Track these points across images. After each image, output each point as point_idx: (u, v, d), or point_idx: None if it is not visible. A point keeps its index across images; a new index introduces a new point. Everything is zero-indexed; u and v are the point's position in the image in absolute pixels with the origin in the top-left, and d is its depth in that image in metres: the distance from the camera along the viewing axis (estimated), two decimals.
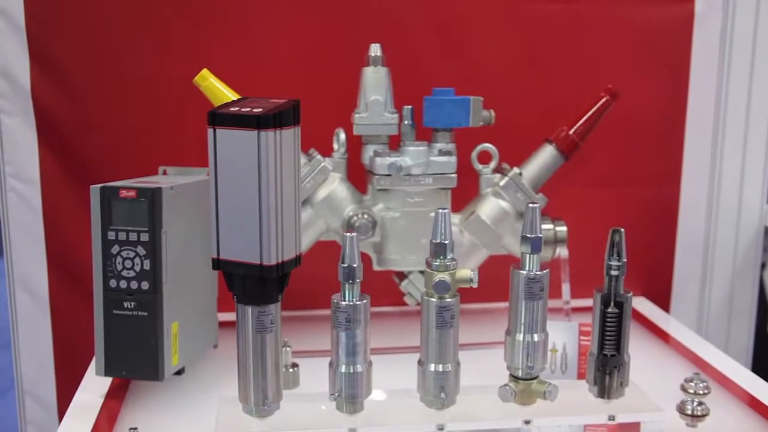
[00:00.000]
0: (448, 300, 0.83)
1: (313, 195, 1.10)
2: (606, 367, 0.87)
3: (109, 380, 1.01)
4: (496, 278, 1.19)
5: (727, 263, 1.38)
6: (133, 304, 0.94)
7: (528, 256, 0.84)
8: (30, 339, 1.24)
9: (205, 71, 1.05)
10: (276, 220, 0.77)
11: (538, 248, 0.84)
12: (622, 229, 0.85)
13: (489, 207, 1.13)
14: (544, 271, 0.85)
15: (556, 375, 1.01)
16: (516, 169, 1.13)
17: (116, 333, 0.95)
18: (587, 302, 1.27)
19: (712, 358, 1.09)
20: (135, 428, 0.84)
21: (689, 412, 0.90)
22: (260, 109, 0.76)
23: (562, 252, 1.15)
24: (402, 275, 1.15)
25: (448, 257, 0.83)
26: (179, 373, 1.02)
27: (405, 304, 1.17)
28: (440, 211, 0.83)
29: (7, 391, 1.36)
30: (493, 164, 1.14)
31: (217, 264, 0.80)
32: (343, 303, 0.82)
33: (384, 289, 1.17)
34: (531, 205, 0.84)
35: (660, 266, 1.37)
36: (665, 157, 1.32)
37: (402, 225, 1.10)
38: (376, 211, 1.10)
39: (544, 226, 1.15)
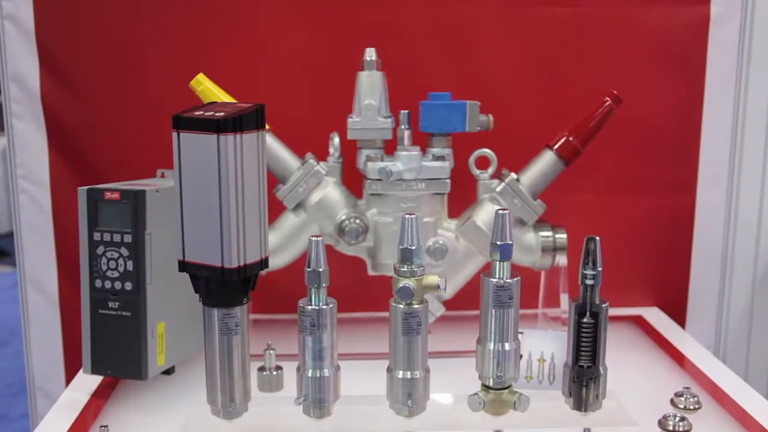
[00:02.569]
0: (415, 306, 0.83)
1: (307, 199, 1.10)
2: (582, 379, 0.85)
3: (99, 378, 1.03)
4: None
5: (747, 275, 1.33)
6: (117, 304, 0.96)
7: (498, 263, 0.83)
8: (41, 336, 1.27)
9: (200, 76, 1.07)
10: (237, 223, 0.77)
11: (507, 255, 0.82)
12: (597, 238, 0.82)
13: (485, 213, 1.11)
14: (514, 279, 0.83)
15: (543, 385, 0.99)
16: (513, 175, 1.11)
17: (102, 332, 0.97)
18: None
19: (712, 370, 1.05)
20: (105, 426, 0.85)
21: (670, 427, 0.87)
22: (222, 113, 0.77)
23: (561, 260, 1.13)
24: None
25: (415, 263, 0.82)
26: (169, 372, 1.03)
27: None
28: (407, 216, 0.82)
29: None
30: (491, 170, 1.12)
31: (183, 266, 0.81)
32: (309, 307, 0.82)
33: (385, 294, 1.16)
34: (501, 211, 0.82)
35: (674, 277, 1.32)
36: (680, 164, 1.28)
37: (395, 230, 1.09)
38: (369, 216, 1.10)
39: (543, 234, 1.14)
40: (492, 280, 0.83)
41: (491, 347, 0.84)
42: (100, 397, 0.99)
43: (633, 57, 1.24)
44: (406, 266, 0.82)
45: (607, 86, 1.11)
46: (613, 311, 1.28)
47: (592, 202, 1.29)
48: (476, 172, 1.12)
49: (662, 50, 1.24)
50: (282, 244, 1.11)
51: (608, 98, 1.11)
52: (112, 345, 0.96)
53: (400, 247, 0.82)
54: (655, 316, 1.29)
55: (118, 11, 1.19)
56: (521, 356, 1.01)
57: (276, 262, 1.11)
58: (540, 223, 1.14)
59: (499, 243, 0.82)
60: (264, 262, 0.82)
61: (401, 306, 0.82)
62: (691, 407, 0.93)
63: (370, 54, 1.08)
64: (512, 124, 1.22)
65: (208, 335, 0.82)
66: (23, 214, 1.24)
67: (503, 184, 1.11)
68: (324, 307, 0.82)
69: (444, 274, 1.11)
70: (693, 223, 1.30)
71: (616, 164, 1.28)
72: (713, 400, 0.97)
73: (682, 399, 0.94)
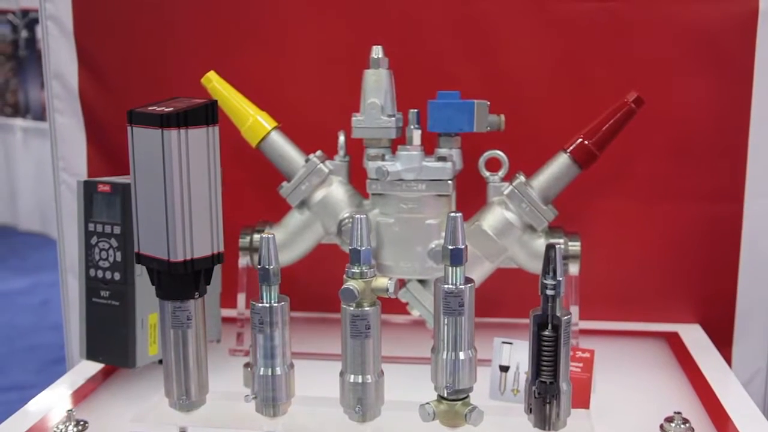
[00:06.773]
0: (366, 309, 0.80)
1: (311, 197, 1.10)
2: (544, 396, 0.79)
3: (101, 365, 1.07)
4: (505, 292, 1.14)
5: None
6: (108, 293, 0.99)
7: (449, 268, 0.79)
8: (78, 322, 1.33)
9: (210, 73, 1.09)
10: (182, 217, 0.78)
11: (458, 260, 0.78)
12: (559, 245, 0.77)
13: (493, 217, 1.07)
14: (467, 286, 0.79)
15: None
16: (523, 178, 1.06)
17: (95, 319, 1.01)
18: (614, 325, 1.18)
19: (726, 395, 0.97)
20: (71, 410, 0.88)
21: None
22: (171, 109, 0.78)
23: (573, 270, 1.07)
24: (403, 282, 1.11)
25: (365, 265, 0.80)
26: None
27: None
28: (357, 216, 0.80)
29: None
30: (502, 172, 1.08)
31: (138, 258, 0.82)
32: (259, 305, 0.82)
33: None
34: (452, 214, 0.79)
35: (719, 293, 1.22)
36: (724, 171, 1.18)
37: (395, 231, 1.07)
38: (372, 216, 1.08)
39: (554, 241, 1.08)
40: (443, 286, 0.79)
41: (444, 356, 0.80)
42: (94, 383, 1.03)
43: (670, 56, 1.15)
44: (355, 267, 0.80)
45: (640, 87, 1.05)
46: (648, 326, 1.22)
47: (626, 210, 1.22)
48: (486, 174, 1.08)
49: (704, 48, 1.15)
50: (287, 241, 1.11)
51: (628, 99, 1.04)
52: (104, 333, 1.00)
53: (350, 247, 0.80)
54: (693, 334, 1.19)
55: (151, 12, 1.23)
56: (507, 368, 0.97)
57: (282, 259, 1.11)
58: (553, 230, 1.08)
59: (450, 247, 0.78)
60: (216, 257, 0.82)
61: (350, 308, 0.80)
62: None
63: (377, 52, 1.07)
64: (536, 126, 1.17)
65: (162, 328, 0.84)
66: (64, 204, 1.30)
67: (511, 188, 1.06)
68: (275, 305, 0.82)
69: None
70: (740, 233, 1.20)
71: (653, 170, 1.20)
72: (713, 427, 0.89)
73: (672, 425, 0.86)
